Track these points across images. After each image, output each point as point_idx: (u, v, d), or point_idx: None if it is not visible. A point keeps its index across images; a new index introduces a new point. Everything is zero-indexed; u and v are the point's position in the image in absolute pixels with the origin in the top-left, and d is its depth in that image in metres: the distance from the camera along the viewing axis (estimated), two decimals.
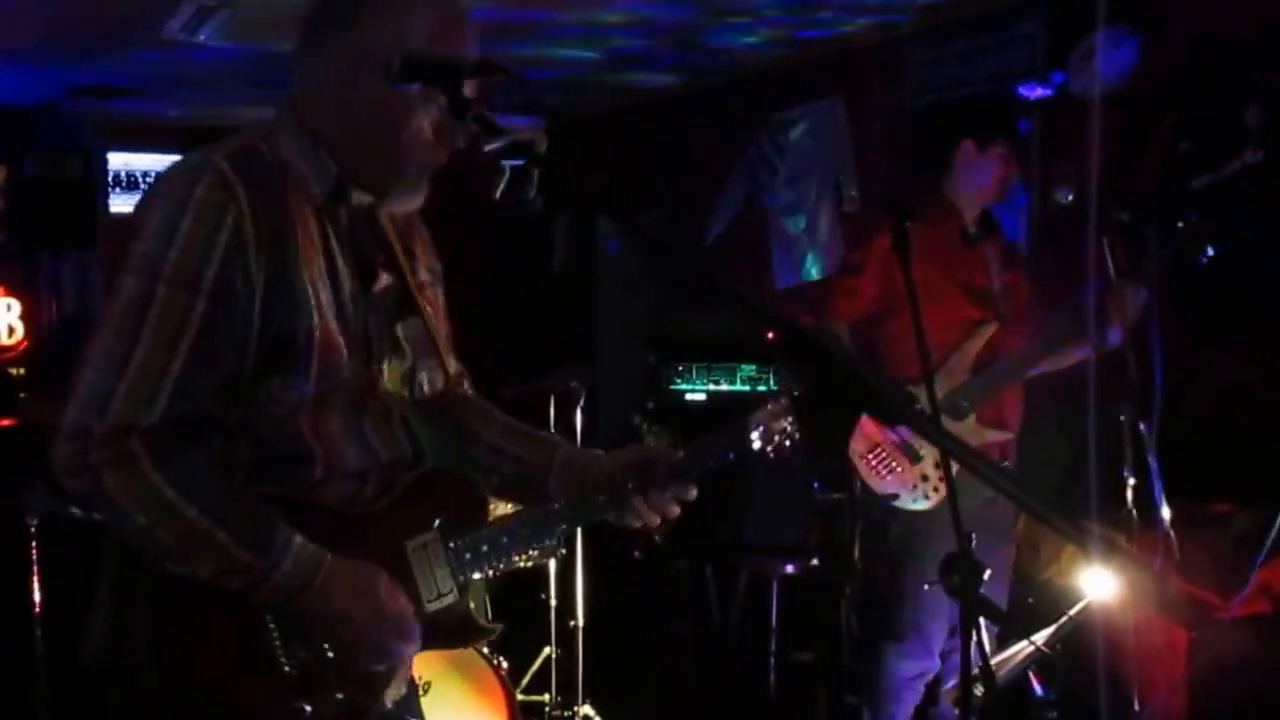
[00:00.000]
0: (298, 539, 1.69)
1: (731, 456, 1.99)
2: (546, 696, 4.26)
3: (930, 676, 3.61)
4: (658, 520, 1.97)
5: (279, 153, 1.76)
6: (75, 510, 3.72)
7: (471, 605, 1.91)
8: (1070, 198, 3.35)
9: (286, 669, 1.71)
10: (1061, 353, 3.50)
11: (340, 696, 1.74)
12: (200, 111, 7.02)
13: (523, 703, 3.99)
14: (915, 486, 3.53)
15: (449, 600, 1.85)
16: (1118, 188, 3.50)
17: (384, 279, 1.85)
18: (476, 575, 1.89)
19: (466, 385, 2.07)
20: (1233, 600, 3.19)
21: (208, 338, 1.66)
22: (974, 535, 2.15)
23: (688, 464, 1.96)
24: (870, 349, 3.64)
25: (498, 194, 1.77)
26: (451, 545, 1.85)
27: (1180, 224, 3.13)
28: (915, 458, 3.52)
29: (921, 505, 3.52)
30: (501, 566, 1.90)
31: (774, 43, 5.46)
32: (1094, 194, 3.26)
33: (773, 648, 4.68)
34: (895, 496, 3.56)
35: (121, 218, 7.46)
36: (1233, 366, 3.78)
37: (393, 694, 1.84)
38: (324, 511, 1.76)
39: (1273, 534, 3.09)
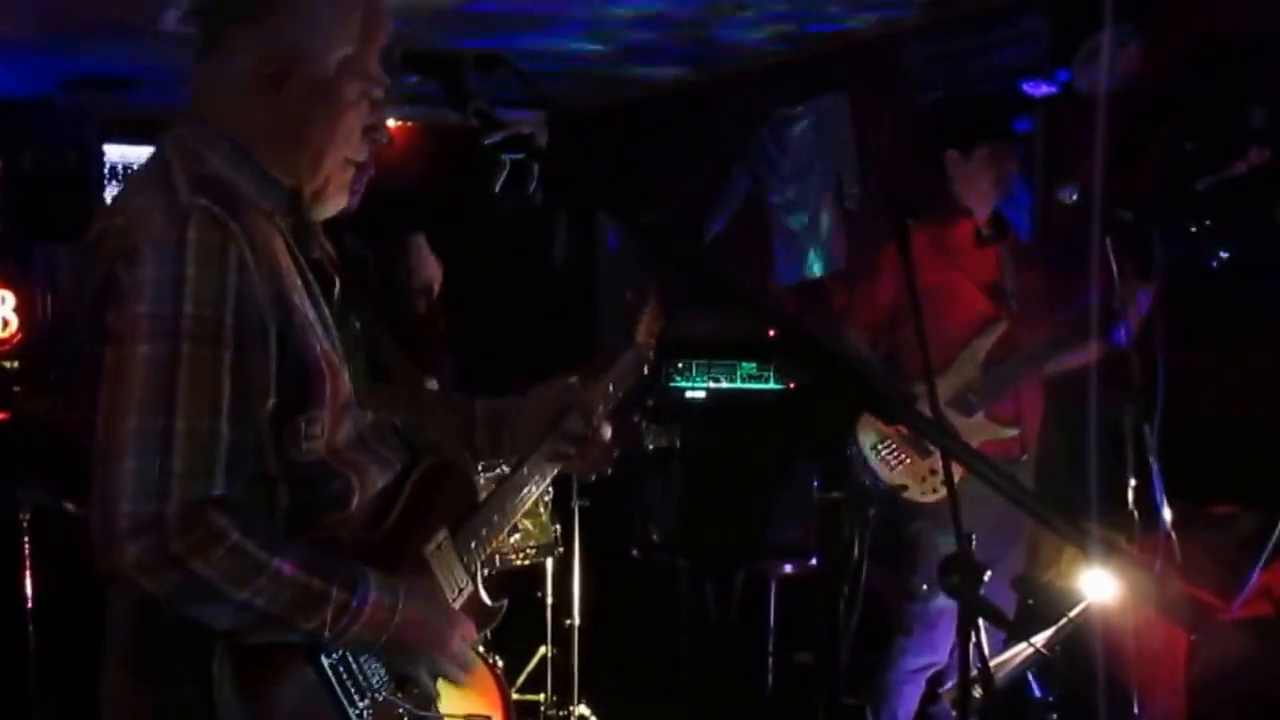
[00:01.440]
0: (369, 570, 1.64)
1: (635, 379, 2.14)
2: (542, 696, 4.25)
3: (934, 670, 3.61)
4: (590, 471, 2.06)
5: (222, 175, 1.63)
6: (69, 505, 3.71)
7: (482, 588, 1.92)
8: (1074, 197, 3.33)
9: (354, 715, 1.67)
10: (1070, 352, 3.53)
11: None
12: None
13: (518, 702, 3.97)
14: (924, 479, 3.55)
15: (468, 591, 1.87)
16: (1122, 187, 3.48)
17: (337, 283, 1.79)
18: (481, 559, 1.92)
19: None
20: (1234, 602, 3.17)
21: (243, 390, 1.56)
22: (974, 536, 2.13)
23: (600, 400, 2.06)
24: (892, 350, 3.66)
25: (497, 188, 1.76)
26: (459, 537, 1.86)
27: (1192, 228, 3.13)
28: (924, 451, 3.54)
29: (930, 498, 3.54)
30: (497, 540, 1.96)
31: (777, 38, 5.43)
32: (1098, 193, 3.25)
33: (770, 648, 4.66)
34: (904, 488, 3.59)
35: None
36: (1235, 367, 3.78)
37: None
38: (352, 546, 1.70)
39: (1274, 536, 3.07)
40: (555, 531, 4.01)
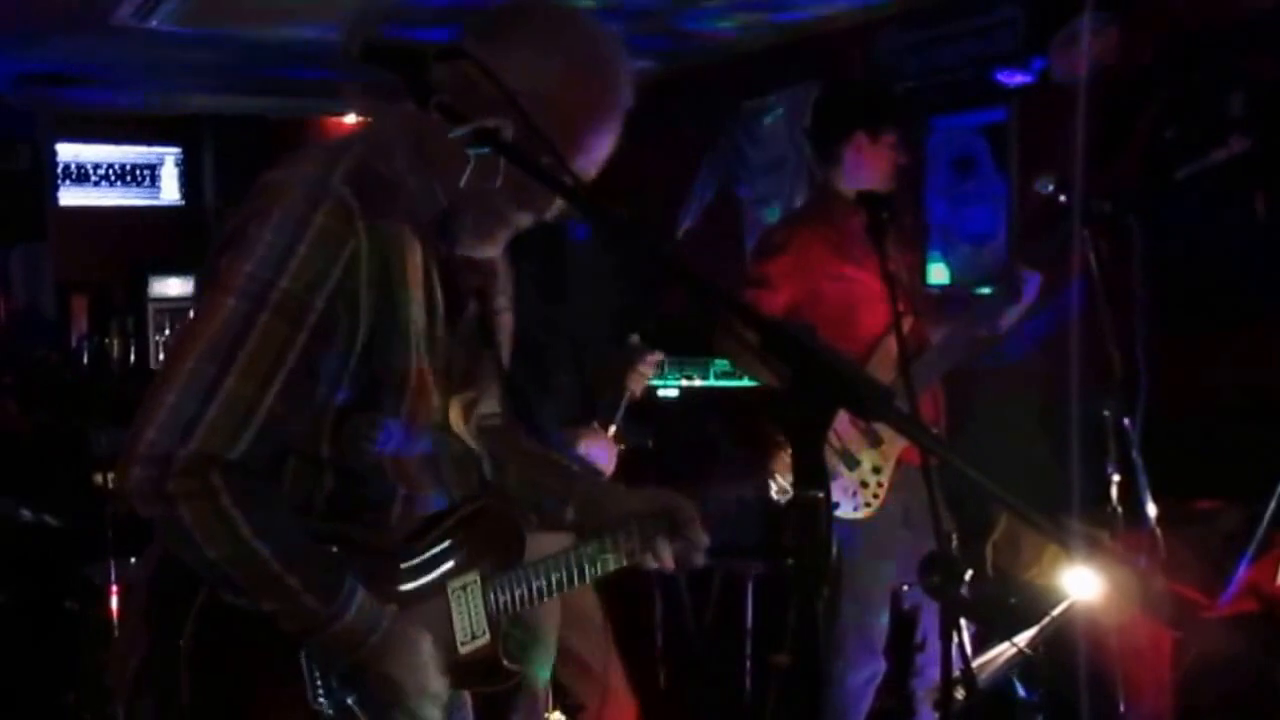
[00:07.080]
0: (361, 592, 1.66)
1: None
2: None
3: (880, 678, 3.58)
4: (673, 565, 2.07)
5: (393, 170, 1.69)
6: (25, 512, 3.62)
7: (501, 647, 1.90)
8: (1051, 188, 3.29)
9: (317, 709, 1.69)
10: (970, 345, 3.47)
11: None
12: (153, 100, 6.92)
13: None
14: (855, 494, 3.45)
15: (482, 642, 1.85)
16: (1100, 177, 3.45)
17: (471, 307, 1.83)
18: (508, 615, 1.91)
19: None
20: (1219, 599, 3.14)
21: (302, 374, 1.61)
22: (954, 535, 2.09)
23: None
24: None
25: (462, 184, 1.70)
26: (491, 586, 1.86)
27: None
28: (852, 464, 3.43)
29: (861, 514, 3.45)
30: (531, 606, 1.93)
31: (749, 27, 5.38)
32: (1077, 184, 3.20)
33: (748, 650, 4.61)
34: (836, 505, 3.50)
35: (75, 209, 7.35)
36: (1218, 361, 3.75)
37: None
38: (377, 552, 1.75)
39: (1259, 531, 3.05)
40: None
